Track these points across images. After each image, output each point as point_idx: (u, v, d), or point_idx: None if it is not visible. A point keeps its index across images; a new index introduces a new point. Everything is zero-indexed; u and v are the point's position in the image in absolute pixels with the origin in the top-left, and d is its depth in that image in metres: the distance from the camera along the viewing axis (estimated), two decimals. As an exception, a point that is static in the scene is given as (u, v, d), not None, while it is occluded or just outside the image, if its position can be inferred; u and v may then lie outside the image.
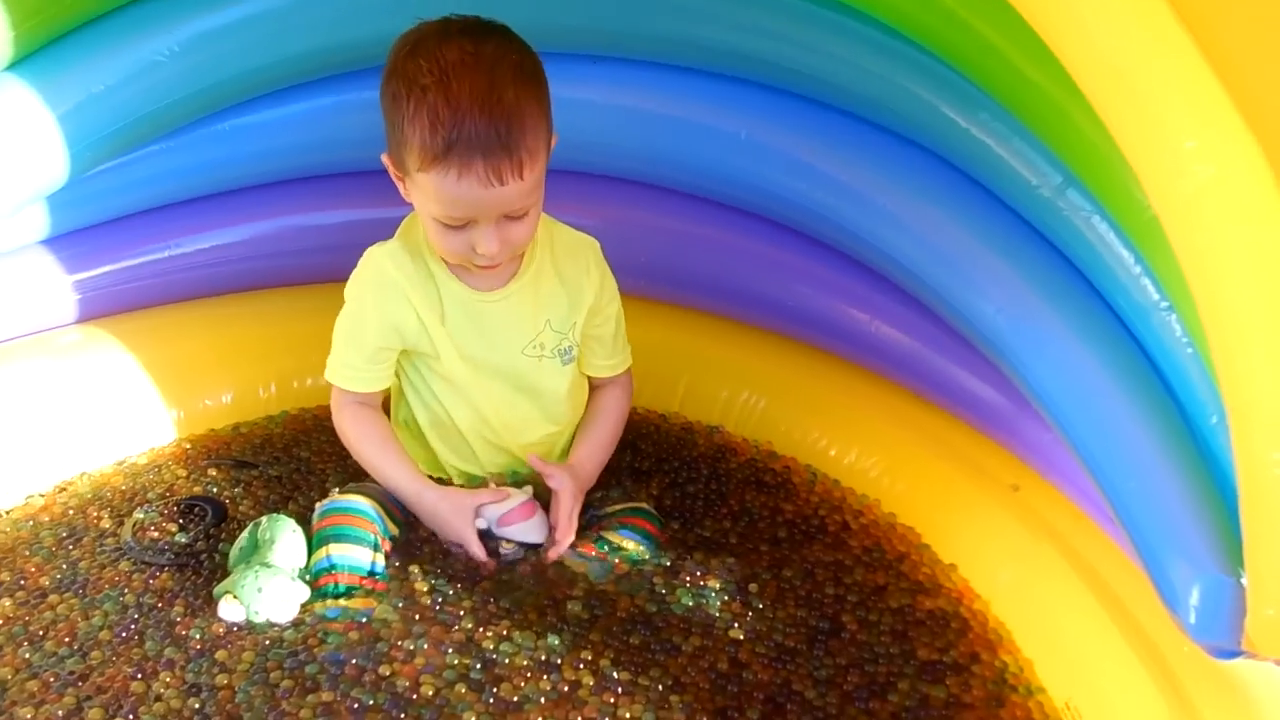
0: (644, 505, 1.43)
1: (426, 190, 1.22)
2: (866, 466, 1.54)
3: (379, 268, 1.36)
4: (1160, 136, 0.88)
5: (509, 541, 1.35)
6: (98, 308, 1.60)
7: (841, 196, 1.49)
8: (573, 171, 1.63)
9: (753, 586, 1.33)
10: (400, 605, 1.25)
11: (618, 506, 1.41)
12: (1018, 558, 1.32)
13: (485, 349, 1.37)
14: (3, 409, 1.45)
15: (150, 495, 1.42)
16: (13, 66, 1.35)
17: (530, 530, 1.35)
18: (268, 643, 1.18)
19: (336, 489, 1.39)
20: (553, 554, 1.33)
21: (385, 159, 1.29)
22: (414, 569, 1.31)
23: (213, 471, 1.48)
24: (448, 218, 1.23)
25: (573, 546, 1.35)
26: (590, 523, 1.40)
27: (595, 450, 1.44)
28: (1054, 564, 1.27)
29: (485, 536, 1.35)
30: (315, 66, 1.54)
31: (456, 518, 1.34)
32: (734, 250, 1.67)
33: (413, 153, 1.20)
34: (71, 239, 1.57)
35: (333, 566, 1.27)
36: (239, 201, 1.64)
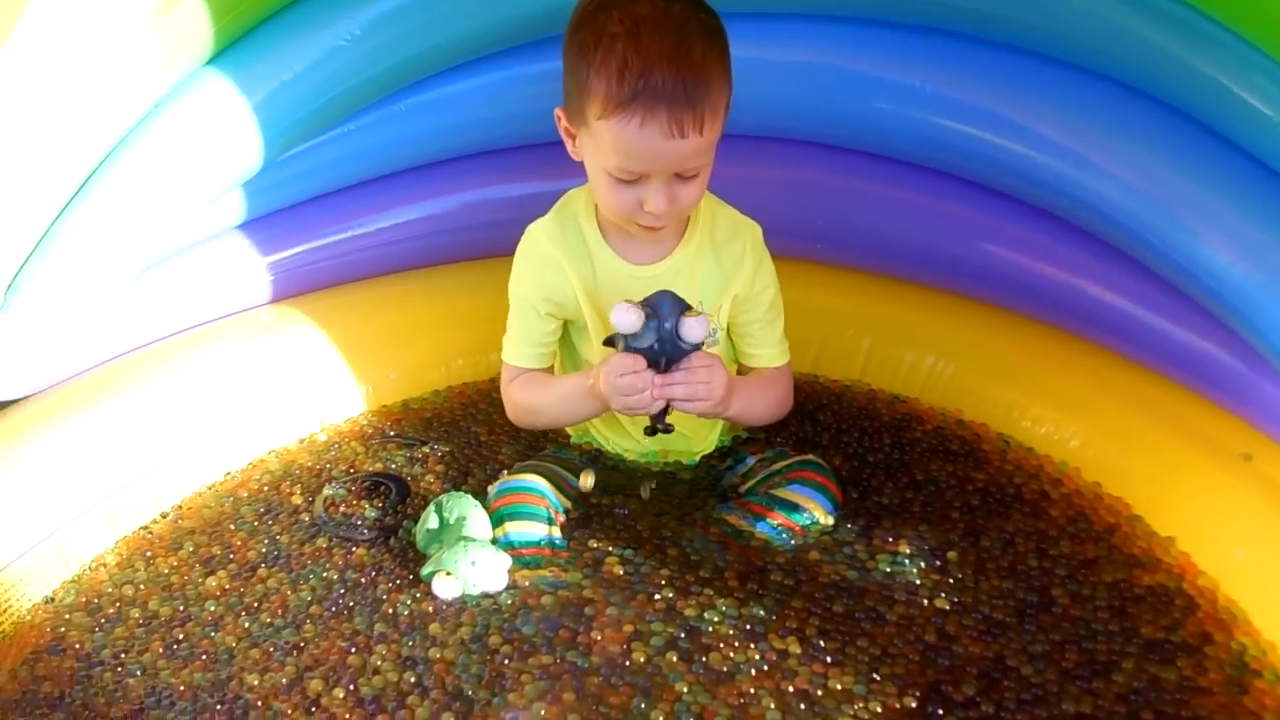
0: (811, 457, 1.39)
1: (604, 140, 1.22)
2: (1067, 434, 1.45)
3: (535, 243, 1.39)
4: None
5: (631, 308, 1.21)
6: (290, 287, 1.66)
7: (1039, 147, 1.40)
8: (748, 136, 1.58)
9: (951, 555, 1.28)
10: (594, 576, 1.25)
11: (785, 462, 1.38)
12: (1252, 531, 1.22)
13: None
14: (204, 388, 1.52)
15: (335, 472, 1.47)
16: (211, 61, 1.40)
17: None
18: (485, 610, 1.21)
19: (506, 470, 1.41)
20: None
21: (559, 112, 1.29)
22: (597, 544, 1.31)
23: (390, 448, 1.51)
24: (622, 170, 1.22)
25: (747, 508, 1.33)
26: (760, 482, 1.37)
27: (743, 385, 1.37)
28: (1299, 538, 1.17)
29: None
30: (487, 42, 1.55)
31: (599, 371, 1.27)
32: (916, 209, 1.60)
33: (596, 100, 1.20)
34: (263, 223, 1.63)
35: (511, 544, 1.29)
36: (420, 179, 1.67)
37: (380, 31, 1.45)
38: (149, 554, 1.34)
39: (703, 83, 1.18)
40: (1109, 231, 1.36)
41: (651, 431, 1.30)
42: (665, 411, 1.27)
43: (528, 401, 1.42)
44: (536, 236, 1.40)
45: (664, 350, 1.23)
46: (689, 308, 1.23)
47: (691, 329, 1.22)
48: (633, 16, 1.19)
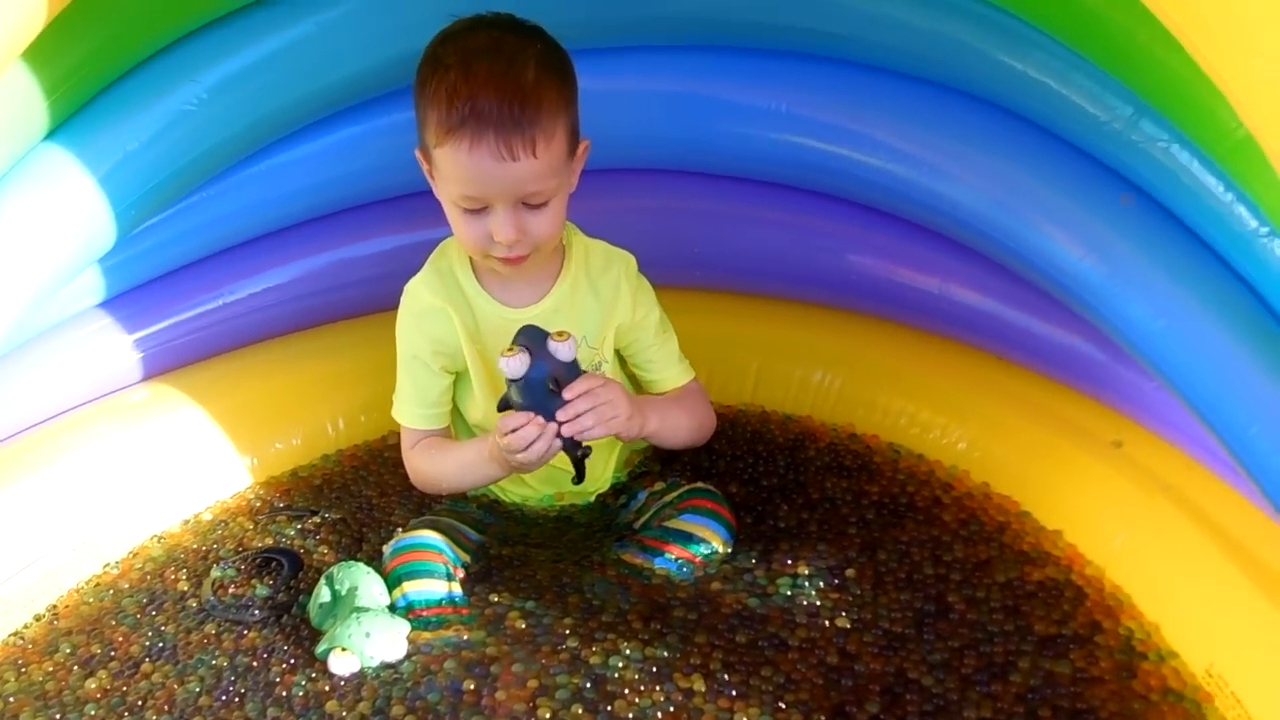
0: (702, 485, 1.39)
1: (444, 170, 1.23)
2: (954, 438, 1.48)
3: (415, 297, 1.38)
4: (1253, 47, 0.81)
5: (510, 349, 1.22)
6: (160, 363, 1.60)
7: (895, 159, 1.43)
8: (615, 169, 1.59)
9: (849, 572, 1.28)
10: (497, 632, 1.22)
11: (676, 492, 1.38)
12: (1129, 517, 1.25)
13: None
14: (75, 478, 1.45)
15: (223, 552, 1.42)
16: (47, 137, 1.34)
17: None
18: (385, 681, 1.17)
19: (400, 528, 1.38)
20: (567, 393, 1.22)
21: (417, 153, 1.30)
22: (498, 597, 1.28)
23: (280, 520, 1.47)
24: (464, 198, 1.23)
25: (642, 544, 1.33)
26: (653, 515, 1.37)
27: (657, 401, 1.39)
28: (1171, 519, 1.21)
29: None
30: (340, 97, 1.52)
31: (496, 440, 1.27)
32: (787, 228, 1.62)
33: (431, 129, 1.21)
34: (126, 298, 1.57)
35: (410, 604, 1.26)
36: (285, 241, 1.63)
37: (227, 94, 1.41)
38: (20, 662, 1.26)
39: (532, 105, 1.19)
40: (967, 236, 1.40)
41: (580, 472, 1.29)
42: (576, 444, 1.26)
43: (429, 470, 1.41)
44: (416, 291, 1.39)
45: (559, 376, 1.22)
46: (549, 334, 1.23)
47: (561, 350, 1.22)
48: (466, 48, 1.22)
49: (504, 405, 1.27)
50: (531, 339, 1.23)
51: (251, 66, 1.42)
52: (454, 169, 1.21)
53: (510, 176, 1.20)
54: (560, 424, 1.23)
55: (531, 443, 1.23)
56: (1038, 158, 1.29)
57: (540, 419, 1.23)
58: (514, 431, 1.23)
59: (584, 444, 1.26)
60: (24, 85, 1.26)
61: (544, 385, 1.22)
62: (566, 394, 1.23)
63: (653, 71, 1.56)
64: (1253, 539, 1.13)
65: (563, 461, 1.30)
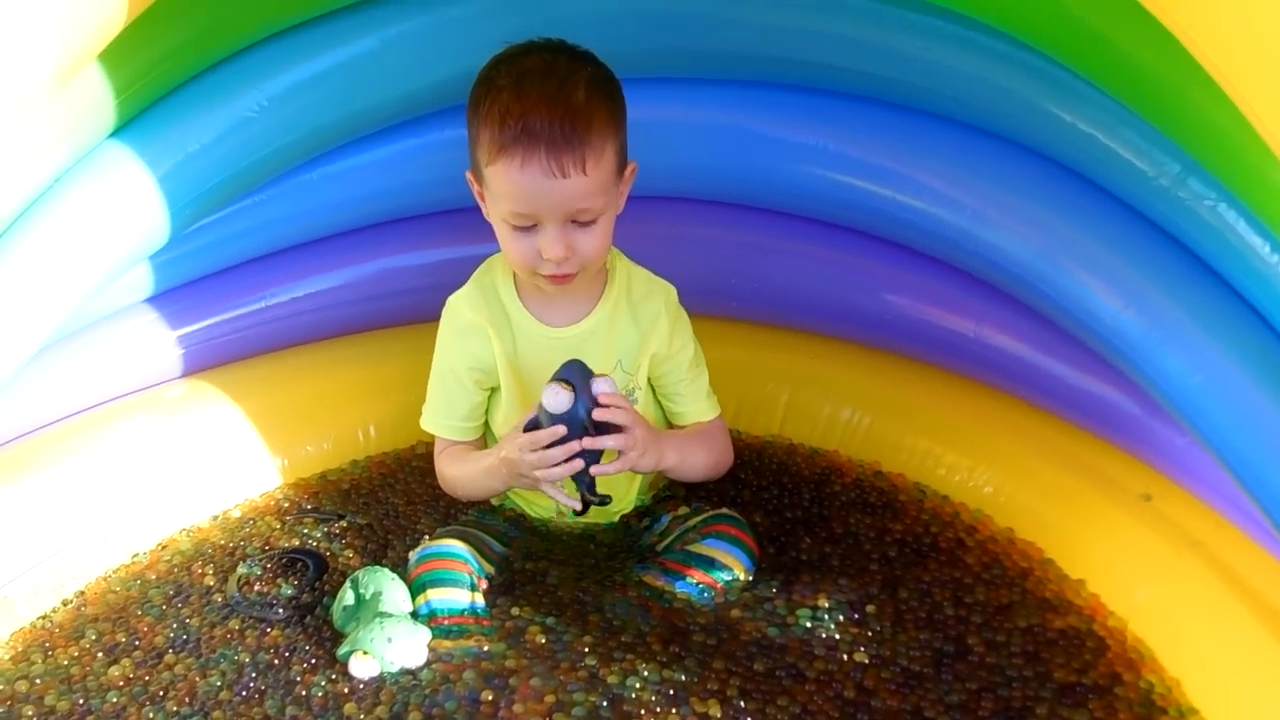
0: (726, 511, 1.40)
1: (495, 187, 1.25)
2: (980, 482, 1.48)
3: (457, 313, 1.41)
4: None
5: (562, 384, 1.23)
6: (200, 361, 1.63)
7: (937, 203, 1.44)
8: (656, 197, 1.61)
9: (870, 608, 1.29)
10: (516, 645, 1.23)
11: (700, 517, 1.39)
12: (1155, 570, 1.25)
13: None
14: (112, 466, 1.48)
15: (249, 550, 1.44)
16: (114, 134, 1.38)
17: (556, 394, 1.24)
18: (404, 687, 1.18)
19: (427, 535, 1.40)
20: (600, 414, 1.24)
21: (468, 175, 1.33)
22: (519, 611, 1.29)
23: (307, 522, 1.49)
24: (514, 215, 1.25)
25: (664, 567, 1.33)
26: (676, 539, 1.38)
27: (675, 436, 1.40)
28: (1197, 575, 1.21)
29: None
30: (397, 111, 1.56)
31: (508, 444, 1.30)
32: (826, 264, 1.63)
33: (484, 148, 1.24)
34: (172, 295, 1.60)
35: (433, 612, 1.28)
36: (330, 248, 1.66)
37: (288, 103, 1.45)
38: (47, 645, 1.28)
39: (583, 124, 1.22)
40: (1006, 282, 1.41)
41: (584, 508, 1.30)
42: (592, 481, 1.28)
43: (450, 475, 1.44)
44: (458, 307, 1.41)
45: (585, 415, 1.24)
46: (592, 373, 1.25)
47: (601, 387, 1.24)
48: (519, 69, 1.25)
49: (531, 427, 1.28)
50: (576, 375, 1.24)
51: (313, 78, 1.45)
52: (505, 185, 1.24)
53: (560, 193, 1.22)
54: (588, 432, 1.24)
55: (554, 464, 1.25)
56: (1082, 209, 1.30)
57: (572, 444, 1.25)
58: (543, 448, 1.25)
59: (596, 482, 1.27)
60: (96, 84, 1.30)
61: (580, 423, 1.24)
62: (597, 412, 1.24)
63: (700, 103, 1.58)
64: (1279, 597, 1.12)
65: (570, 492, 1.32)
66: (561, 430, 1.24)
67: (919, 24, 1.37)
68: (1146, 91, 1.16)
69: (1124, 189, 1.26)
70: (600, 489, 1.30)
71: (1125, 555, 1.29)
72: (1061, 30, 1.19)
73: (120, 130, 1.39)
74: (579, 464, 1.26)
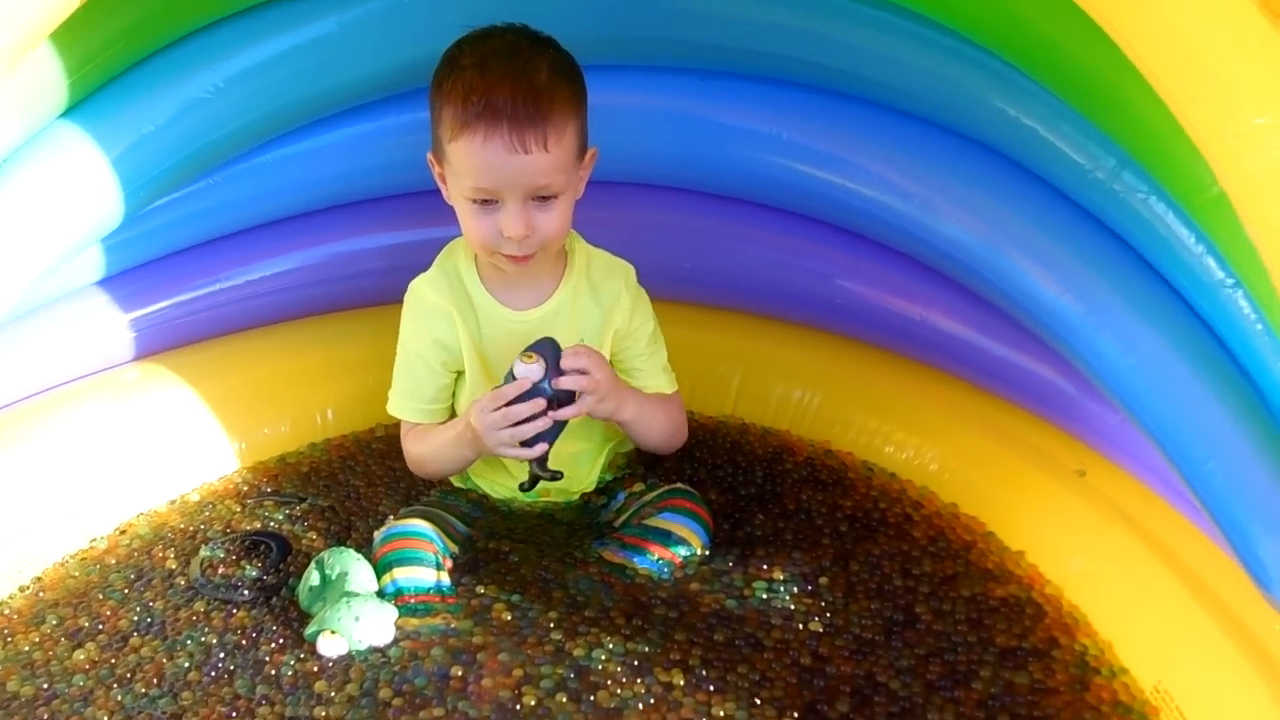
0: (681, 485, 1.45)
1: (457, 164, 1.27)
2: (925, 459, 1.54)
3: (420, 297, 1.43)
4: (1231, 114, 0.89)
5: (528, 355, 1.28)
6: (154, 343, 1.61)
7: (887, 191, 1.49)
8: (612, 182, 1.64)
9: (823, 580, 1.34)
10: (483, 622, 1.26)
11: (656, 492, 1.43)
12: (1088, 542, 1.33)
13: None
14: (66, 451, 1.46)
15: (210, 533, 1.44)
16: (66, 113, 1.36)
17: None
18: (373, 665, 1.20)
19: (391, 515, 1.41)
20: (567, 361, 1.28)
21: (429, 156, 1.34)
22: (484, 589, 1.32)
23: (268, 505, 1.49)
24: (475, 190, 1.27)
25: (622, 542, 1.37)
26: (633, 514, 1.42)
27: (636, 393, 1.42)
28: (1127, 546, 1.28)
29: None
30: (355, 94, 1.55)
31: (474, 409, 1.32)
32: (779, 250, 1.67)
33: (446, 125, 1.26)
34: (125, 277, 1.58)
35: (399, 590, 1.30)
36: (287, 230, 1.66)
37: (244, 84, 1.44)
38: (6, 631, 1.28)
39: (545, 102, 1.25)
40: (952, 268, 1.47)
41: (532, 483, 1.34)
42: (545, 458, 1.31)
43: (416, 452, 1.46)
44: (421, 291, 1.43)
45: (559, 396, 1.28)
46: (562, 352, 1.29)
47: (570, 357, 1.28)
48: (483, 50, 1.28)
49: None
50: (548, 350, 1.28)
51: (269, 60, 1.44)
52: (467, 161, 1.25)
53: (521, 169, 1.24)
54: (552, 407, 1.28)
55: (520, 422, 1.28)
56: (1023, 198, 1.36)
57: (537, 401, 1.27)
58: (495, 411, 1.28)
59: (548, 460, 1.31)
60: (47, 61, 1.28)
61: (545, 395, 1.28)
62: (566, 356, 1.28)
63: (657, 90, 1.61)
64: (1202, 567, 1.20)
65: (519, 470, 1.36)
66: (525, 385, 1.27)
67: (873, 18, 1.41)
68: (1084, 88, 1.22)
69: (1063, 180, 1.32)
70: (554, 465, 1.33)
71: (1061, 527, 1.36)
72: (1006, 28, 1.24)
73: (72, 110, 1.37)
74: (542, 424, 1.29)
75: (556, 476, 1.34)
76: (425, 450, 1.44)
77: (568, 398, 1.30)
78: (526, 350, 1.28)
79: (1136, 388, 1.19)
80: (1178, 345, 1.17)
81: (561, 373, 1.29)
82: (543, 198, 1.28)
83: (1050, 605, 1.30)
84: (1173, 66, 0.92)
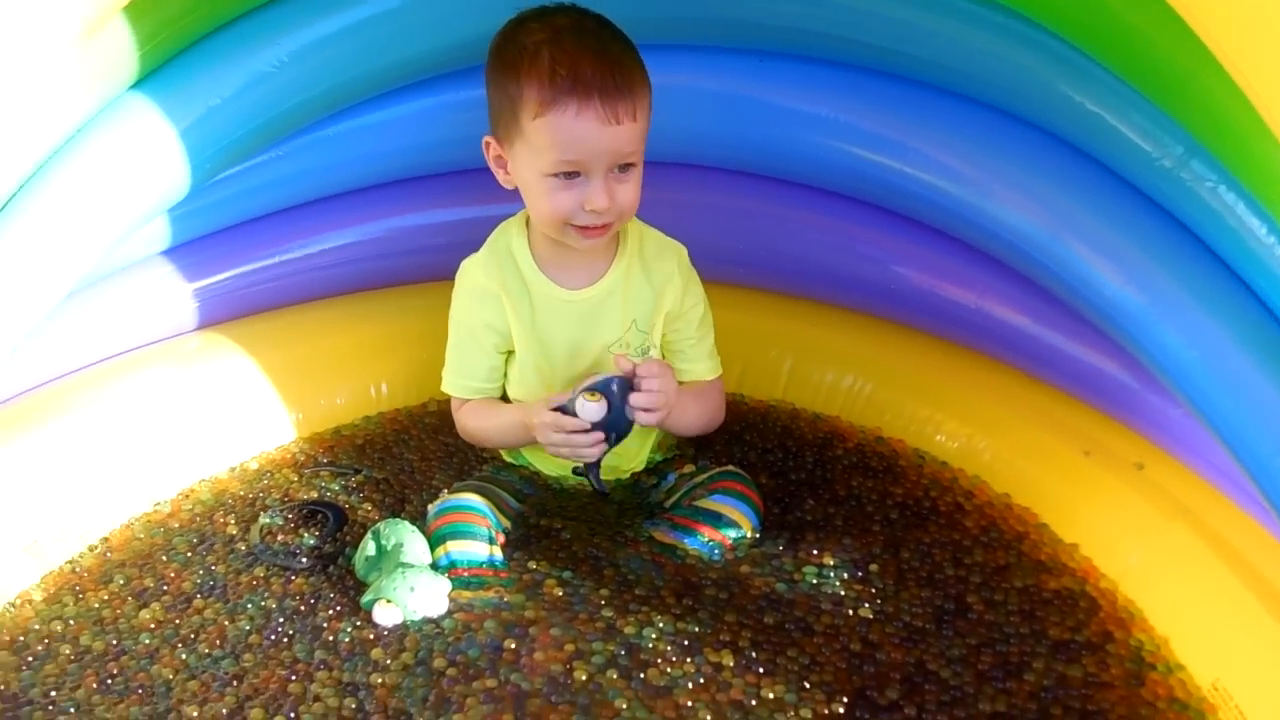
0: (731, 467, 1.45)
1: (542, 140, 1.26)
2: (979, 448, 1.53)
3: (471, 279, 1.44)
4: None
5: (592, 394, 1.29)
6: (217, 313, 1.65)
7: (944, 176, 1.48)
8: (667, 163, 1.64)
9: (873, 566, 1.34)
10: (535, 597, 1.28)
11: (706, 474, 1.44)
12: (1146, 536, 1.31)
13: (574, 345, 1.42)
14: (130, 416, 1.50)
15: (269, 500, 1.47)
16: (137, 84, 1.39)
17: (604, 375, 1.31)
18: (428, 635, 1.23)
19: (445, 490, 1.43)
20: (640, 394, 1.30)
21: (488, 140, 1.35)
22: (536, 565, 1.34)
23: (324, 475, 1.52)
24: (562, 163, 1.27)
25: (672, 522, 1.38)
26: (683, 495, 1.42)
27: (685, 394, 1.43)
28: (1186, 541, 1.27)
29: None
30: (419, 69, 1.57)
31: (534, 413, 1.35)
32: (834, 234, 1.67)
33: (529, 103, 1.25)
34: (190, 248, 1.61)
35: (453, 563, 1.32)
36: (349, 204, 1.68)
37: (309, 58, 1.46)
38: (77, 588, 1.32)
39: (628, 72, 1.27)
40: (1009, 255, 1.45)
41: (581, 473, 1.37)
42: (597, 465, 1.35)
43: (472, 426, 1.49)
44: (472, 272, 1.44)
45: (618, 429, 1.31)
46: (629, 388, 1.30)
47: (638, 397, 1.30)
48: (553, 26, 1.28)
49: (561, 408, 1.33)
50: (612, 393, 1.30)
51: (335, 34, 1.46)
52: (555, 136, 1.25)
53: (612, 140, 1.26)
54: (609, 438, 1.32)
55: (579, 448, 1.32)
56: (1086, 186, 1.34)
57: (584, 434, 1.31)
58: (559, 434, 1.31)
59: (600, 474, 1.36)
60: (121, 33, 1.31)
61: (609, 429, 1.31)
62: (640, 372, 1.30)
63: (714, 71, 1.61)
64: (1265, 563, 1.19)
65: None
66: (586, 425, 1.30)
67: (935, 0, 1.40)
68: (1154, 74, 1.19)
69: (1128, 169, 1.30)
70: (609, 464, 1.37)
71: (1117, 521, 1.35)
72: (1074, 11, 1.22)
73: (142, 82, 1.40)
74: (599, 450, 1.33)
75: (605, 494, 1.38)
76: (482, 426, 1.47)
77: (627, 428, 1.32)
78: (590, 388, 1.30)
79: (1201, 382, 1.18)
80: (1244, 339, 1.15)
81: (625, 403, 1.30)
82: (622, 169, 1.29)
83: (1105, 599, 1.29)
84: (1251, 49, 0.90)
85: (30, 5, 1.15)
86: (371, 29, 1.47)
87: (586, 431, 1.31)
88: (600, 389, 1.30)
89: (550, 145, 1.27)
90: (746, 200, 1.71)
